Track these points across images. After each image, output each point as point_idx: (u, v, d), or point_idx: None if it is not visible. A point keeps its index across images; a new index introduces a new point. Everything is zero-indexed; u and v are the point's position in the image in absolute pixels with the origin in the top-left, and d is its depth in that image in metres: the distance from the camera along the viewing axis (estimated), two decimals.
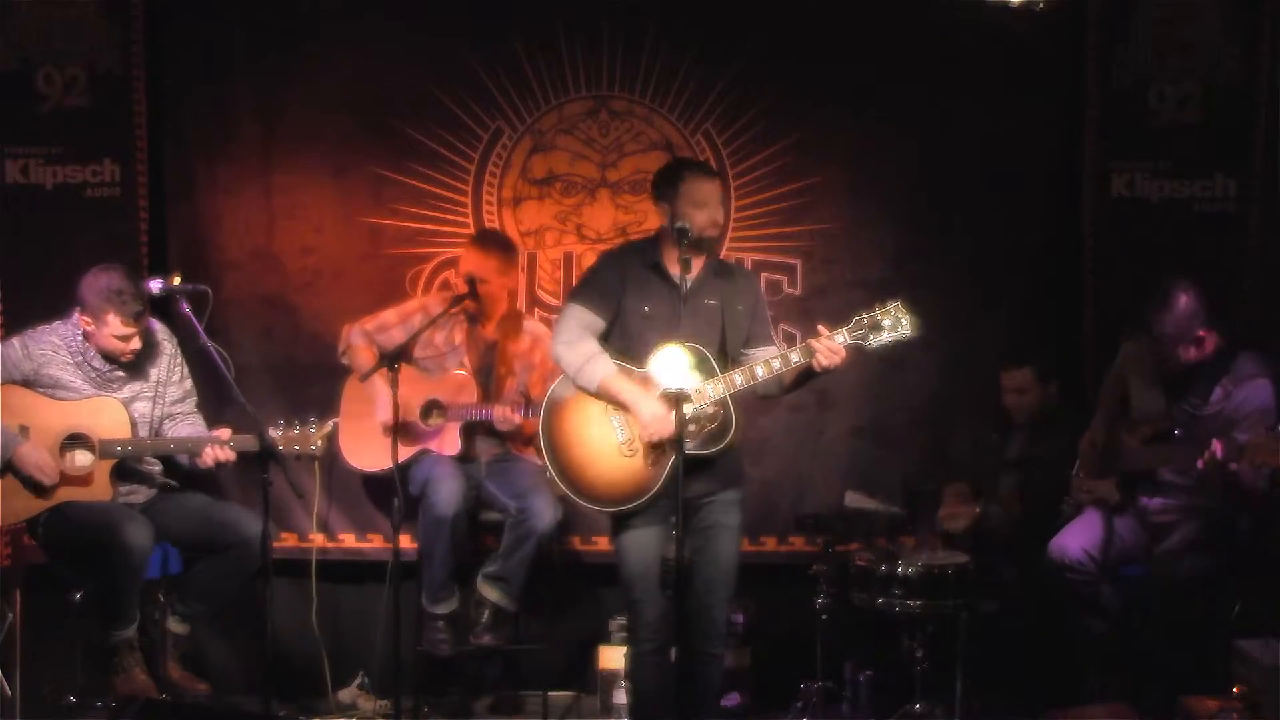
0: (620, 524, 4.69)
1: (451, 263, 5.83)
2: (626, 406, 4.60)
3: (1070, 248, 5.93)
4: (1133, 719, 4.99)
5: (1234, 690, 4.70)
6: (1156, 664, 5.05)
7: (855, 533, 5.59)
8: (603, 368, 4.62)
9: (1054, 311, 5.95)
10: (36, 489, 5.02)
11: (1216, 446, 4.68)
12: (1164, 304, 4.95)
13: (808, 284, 5.97)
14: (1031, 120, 5.91)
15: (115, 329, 5.04)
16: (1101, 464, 5.18)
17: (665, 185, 4.71)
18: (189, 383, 5.31)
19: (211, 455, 5.03)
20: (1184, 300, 4.95)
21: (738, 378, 4.59)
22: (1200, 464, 4.72)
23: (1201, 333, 4.98)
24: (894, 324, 4.57)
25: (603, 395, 4.63)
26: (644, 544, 4.66)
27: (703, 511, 4.67)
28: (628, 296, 4.68)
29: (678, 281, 4.54)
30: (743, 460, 4.85)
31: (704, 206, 4.64)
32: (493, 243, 5.68)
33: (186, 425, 5.25)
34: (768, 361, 4.61)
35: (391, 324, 5.61)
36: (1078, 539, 5.13)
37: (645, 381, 4.61)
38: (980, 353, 5.87)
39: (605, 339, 4.70)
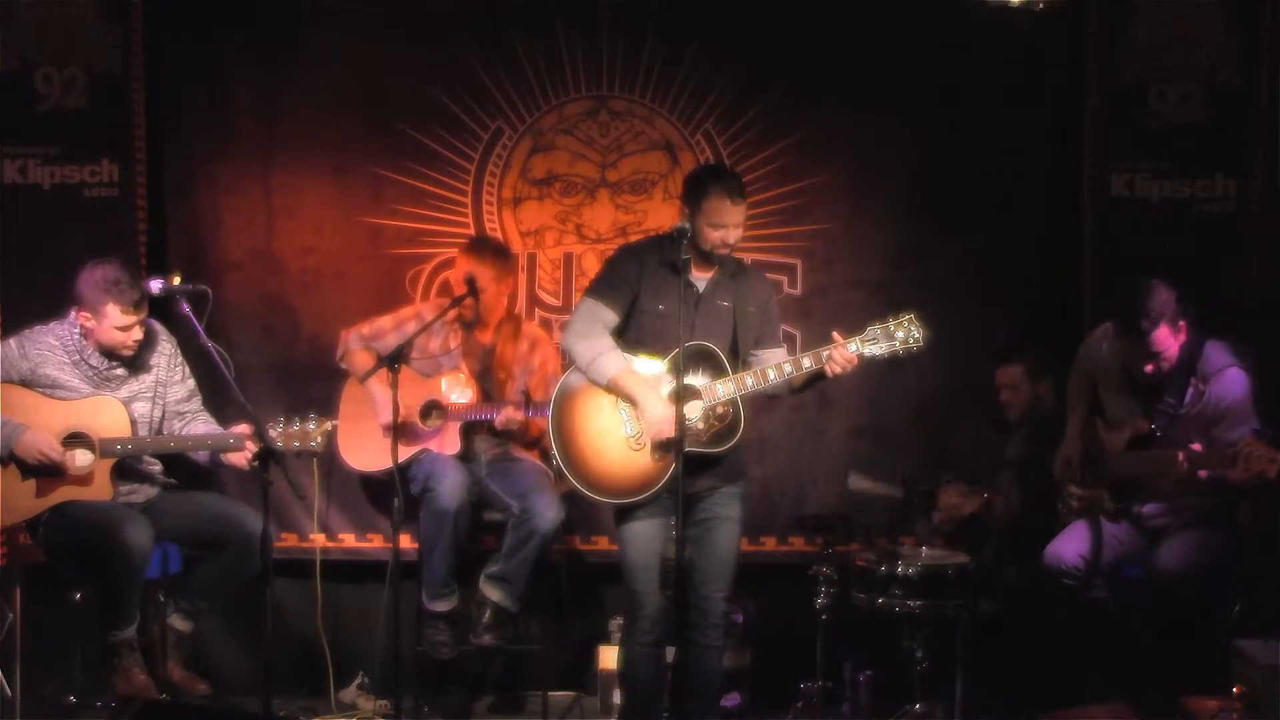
0: (624, 515, 4.70)
1: (451, 263, 5.82)
2: (635, 403, 4.62)
3: (1070, 248, 5.93)
4: (1133, 719, 5.00)
5: (1234, 690, 4.70)
6: (1156, 664, 5.05)
7: (855, 533, 5.58)
8: (614, 363, 4.63)
9: (1053, 312, 5.95)
10: (40, 480, 5.00)
11: (1196, 449, 4.74)
12: (1147, 293, 4.91)
13: (808, 284, 5.97)
14: (1032, 120, 5.92)
15: (115, 319, 5.03)
16: (1086, 473, 5.15)
17: (691, 193, 4.70)
18: (192, 381, 5.31)
19: (243, 458, 5.03)
20: (1160, 286, 4.93)
21: (749, 379, 4.62)
22: (1181, 463, 4.75)
23: (1181, 321, 4.97)
24: (906, 336, 4.64)
25: (613, 390, 4.64)
26: (647, 536, 4.65)
27: (704, 504, 4.69)
28: (644, 293, 4.69)
29: (693, 281, 4.60)
30: (746, 457, 4.86)
31: (719, 229, 4.63)
32: (487, 249, 5.66)
33: (200, 424, 5.25)
34: (779, 365, 4.64)
35: (387, 330, 5.60)
36: (1073, 545, 5.13)
37: (657, 379, 4.63)
38: (980, 353, 5.86)
39: (622, 333, 4.71)
